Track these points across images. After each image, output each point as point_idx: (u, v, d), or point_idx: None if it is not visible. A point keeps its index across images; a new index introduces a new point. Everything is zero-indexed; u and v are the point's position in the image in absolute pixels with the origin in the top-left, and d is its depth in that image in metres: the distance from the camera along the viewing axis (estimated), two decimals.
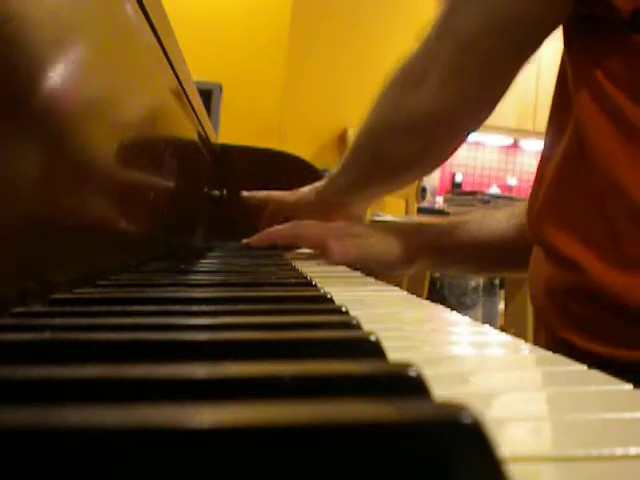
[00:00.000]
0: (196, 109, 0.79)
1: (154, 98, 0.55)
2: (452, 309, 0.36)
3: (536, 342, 0.65)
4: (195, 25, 2.49)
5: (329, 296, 0.31)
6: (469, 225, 0.68)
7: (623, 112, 0.45)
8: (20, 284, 0.27)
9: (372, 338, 0.18)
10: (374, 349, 0.18)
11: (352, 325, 0.22)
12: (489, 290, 2.58)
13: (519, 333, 1.57)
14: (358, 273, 0.55)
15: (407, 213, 2.50)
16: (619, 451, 0.14)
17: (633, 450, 0.14)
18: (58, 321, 0.21)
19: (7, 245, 0.26)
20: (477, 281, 2.48)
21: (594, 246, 0.46)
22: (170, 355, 0.17)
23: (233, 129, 2.32)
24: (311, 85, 3.06)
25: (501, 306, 2.38)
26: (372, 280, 0.49)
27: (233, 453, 0.10)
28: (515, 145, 3.76)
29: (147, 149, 0.51)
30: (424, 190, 2.94)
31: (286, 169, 1.11)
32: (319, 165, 1.22)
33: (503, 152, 3.77)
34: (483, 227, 0.67)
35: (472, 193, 3.03)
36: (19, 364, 0.16)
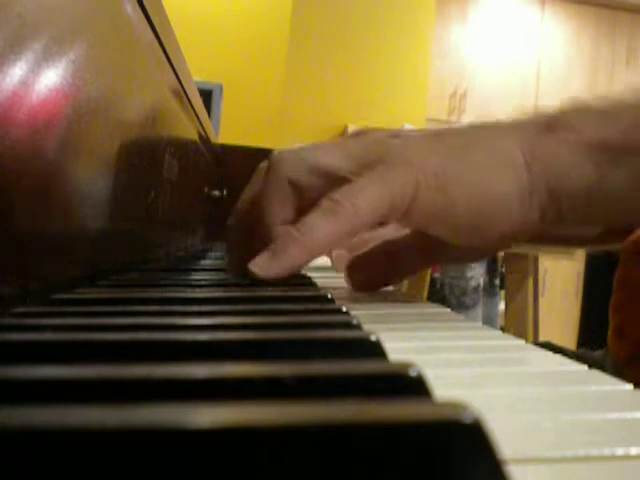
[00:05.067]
0: (196, 109, 0.79)
1: (154, 98, 0.55)
2: (452, 309, 0.36)
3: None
4: (195, 25, 2.49)
5: (329, 296, 0.31)
6: None
7: None
8: (20, 284, 0.27)
9: (372, 338, 0.18)
10: (374, 349, 0.18)
11: (352, 325, 0.22)
12: (489, 290, 2.58)
13: (519, 333, 1.57)
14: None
15: None
16: (619, 451, 0.14)
17: (633, 450, 0.14)
18: (58, 321, 0.21)
19: (7, 245, 0.26)
20: (477, 281, 2.48)
21: None
22: (170, 355, 0.17)
23: (233, 129, 2.32)
24: (311, 85, 3.06)
25: (501, 306, 2.38)
26: None
27: (233, 453, 0.10)
28: None
29: (147, 149, 0.51)
30: None
31: None
32: None
33: None
34: None
35: None
36: (19, 364, 0.16)
